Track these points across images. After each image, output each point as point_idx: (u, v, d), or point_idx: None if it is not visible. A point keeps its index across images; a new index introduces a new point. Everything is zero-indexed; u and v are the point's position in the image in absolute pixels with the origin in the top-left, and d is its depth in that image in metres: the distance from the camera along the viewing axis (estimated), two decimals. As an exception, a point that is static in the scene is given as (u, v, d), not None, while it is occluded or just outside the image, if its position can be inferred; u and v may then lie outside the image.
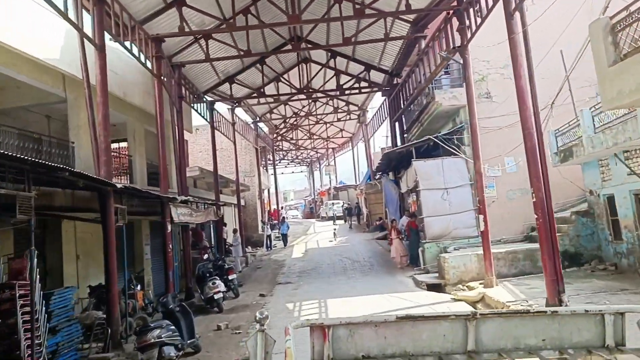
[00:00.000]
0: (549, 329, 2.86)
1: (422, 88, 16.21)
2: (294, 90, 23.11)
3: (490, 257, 12.03)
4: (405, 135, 21.22)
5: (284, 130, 42.77)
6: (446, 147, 15.28)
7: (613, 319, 2.85)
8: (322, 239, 29.34)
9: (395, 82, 21.40)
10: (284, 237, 27.84)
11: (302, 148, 52.27)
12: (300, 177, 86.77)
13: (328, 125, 42.67)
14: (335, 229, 31.51)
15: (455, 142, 15.64)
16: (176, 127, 16.14)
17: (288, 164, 67.82)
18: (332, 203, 44.46)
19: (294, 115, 36.18)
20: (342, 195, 48.00)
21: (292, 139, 45.06)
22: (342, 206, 41.36)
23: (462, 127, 15.61)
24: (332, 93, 31.72)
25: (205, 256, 18.22)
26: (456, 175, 15.46)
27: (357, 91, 24.81)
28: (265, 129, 37.01)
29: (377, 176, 23.84)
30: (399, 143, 24.66)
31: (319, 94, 27.49)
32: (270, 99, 25.59)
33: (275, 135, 40.98)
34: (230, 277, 14.39)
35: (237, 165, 25.27)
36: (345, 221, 38.98)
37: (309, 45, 20.07)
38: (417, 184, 15.52)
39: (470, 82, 12.50)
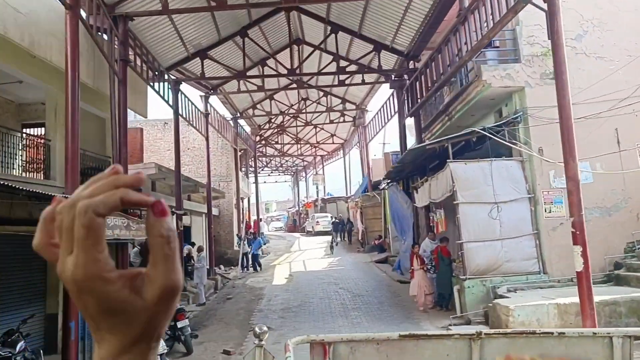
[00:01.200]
0: (556, 351, 2.78)
1: (461, 64, 11.77)
2: (282, 72, 18.48)
3: (592, 313, 7.52)
4: (422, 134, 16.78)
5: (269, 132, 38.15)
6: (499, 141, 10.80)
7: (621, 342, 2.76)
8: (309, 259, 24.64)
9: (412, 66, 17.01)
10: (255, 260, 22.67)
11: (287, 155, 47.66)
12: (283, 187, 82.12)
13: (318, 129, 38.29)
14: (335, 243, 27.11)
15: (507, 138, 11.21)
16: (115, 101, 11.41)
17: (271, 173, 63.16)
18: (319, 216, 39.79)
19: (280, 113, 31.61)
20: (331, 207, 43.41)
21: (277, 142, 40.41)
22: (331, 220, 36.78)
23: (519, 117, 11.19)
24: (327, 89, 27.38)
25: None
26: (509, 184, 11.00)
27: (359, 81, 20.39)
28: (248, 129, 32.36)
29: (383, 185, 19.38)
30: (409, 145, 20.27)
31: (310, 87, 23.00)
32: (252, 85, 20.98)
33: (258, 137, 36.27)
34: (180, 324, 9.62)
35: (208, 166, 20.55)
36: (333, 238, 34.36)
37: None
38: (454, 195, 11.01)
39: (560, 38, 8.09)
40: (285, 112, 31.81)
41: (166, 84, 16.00)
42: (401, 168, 15.91)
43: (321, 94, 28.04)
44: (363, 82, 20.50)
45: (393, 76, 20.05)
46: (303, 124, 33.70)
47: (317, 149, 44.91)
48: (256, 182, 34.05)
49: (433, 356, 2.75)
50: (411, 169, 15.56)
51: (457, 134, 11.38)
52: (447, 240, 11.94)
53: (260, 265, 21.54)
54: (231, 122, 27.24)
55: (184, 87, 18.55)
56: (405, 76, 19.56)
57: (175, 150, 16.55)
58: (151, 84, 14.69)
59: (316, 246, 31.18)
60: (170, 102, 16.22)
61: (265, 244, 32.50)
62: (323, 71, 19.75)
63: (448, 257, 11.61)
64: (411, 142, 20.54)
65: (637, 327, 3.79)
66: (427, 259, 12.27)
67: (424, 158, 14.03)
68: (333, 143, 40.08)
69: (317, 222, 38.73)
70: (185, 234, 20.56)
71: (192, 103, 18.36)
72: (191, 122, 18.26)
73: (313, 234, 39.32)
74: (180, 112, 16.96)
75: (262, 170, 60.30)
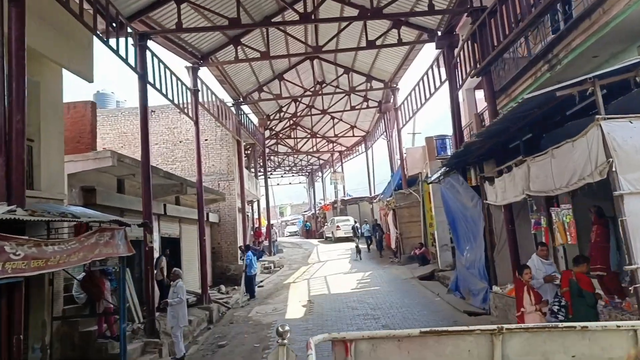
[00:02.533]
0: (579, 345, 2.73)
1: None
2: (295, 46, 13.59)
3: None
4: (495, 101, 11.68)
5: (280, 125, 33.27)
6: None
7: None
8: (332, 274, 19.64)
9: (477, 2, 11.93)
10: (249, 282, 16.46)
11: (301, 152, 42.76)
12: (298, 189, 77.47)
13: (336, 120, 33.34)
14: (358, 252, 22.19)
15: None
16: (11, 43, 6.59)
17: (285, 173, 58.40)
18: (340, 220, 34.73)
19: (292, 100, 26.70)
20: (352, 210, 38.39)
21: (289, 136, 35.51)
22: (353, 224, 31.74)
23: None
24: (348, 63, 22.46)
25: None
26: None
27: (394, 41, 15.39)
28: (255, 120, 27.51)
29: (432, 178, 14.24)
30: (464, 124, 15.31)
31: (328, 52, 18.10)
32: (253, 53, 16.10)
33: (267, 130, 31.37)
34: None
35: (199, 158, 15.70)
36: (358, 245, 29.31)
37: None
38: (612, 180, 5.91)
39: None
40: (298, 99, 26.91)
41: (128, 39, 11.15)
42: (469, 150, 10.81)
43: (341, 71, 23.05)
44: (400, 42, 15.48)
45: (439, 32, 15.04)
46: (319, 113, 28.69)
47: (334, 144, 39.96)
48: (265, 181, 29.14)
49: (454, 352, 2.67)
50: (486, 149, 10.45)
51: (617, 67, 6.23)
52: (587, 262, 6.83)
53: (254, 294, 16.34)
54: (232, 108, 22.42)
55: (164, 54, 13.74)
56: (458, 32, 14.62)
57: (142, 134, 11.73)
58: (99, 33, 9.86)
59: (338, 256, 26.16)
60: (134, 64, 11.35)
61: (276, 254, 27.63)
62: (345, 30, 14.83)
63: (592, 291, 6.52)
64: (464, 119, 15.51)
65: None
66: (557, 299, 7.12)
67: (510, 133, 8.94)
68: (353, 136, 35.06)
69: (338, 226, 33.73)
70: (172, 249, 15.82)
71: (170, 70, 13.48)
72: (169, 97, 13.38)
73: (333, 240, 34.35)
74: (151, 80, 12.12)
75: (274, 170, 55.67)
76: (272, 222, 69.26)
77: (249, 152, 33.09)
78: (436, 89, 16.69)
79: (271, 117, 29.02)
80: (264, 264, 22.95)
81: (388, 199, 22.40)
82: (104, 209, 10.98)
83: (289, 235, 51.70)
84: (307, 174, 57.79)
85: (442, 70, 16.51)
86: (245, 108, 24.52)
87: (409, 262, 20.35)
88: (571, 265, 10.00)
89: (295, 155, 48.95)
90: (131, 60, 11.12)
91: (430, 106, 22.40)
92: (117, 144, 21.36)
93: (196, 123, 15.51)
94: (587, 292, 6.48)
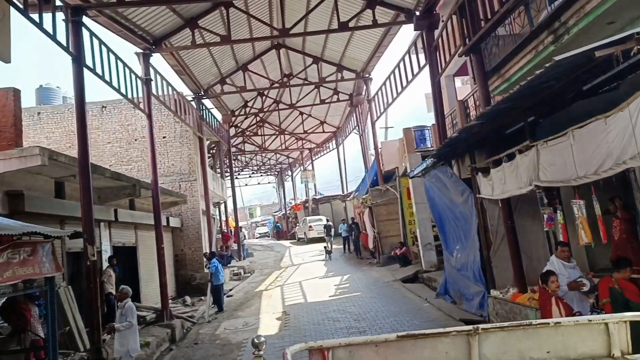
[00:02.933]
0: (553, 341, 2.78)
1: None
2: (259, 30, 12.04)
3: None
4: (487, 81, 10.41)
5: (246, 122, 31.55)
6: None
7: (618, 327, 2.77)
8: (308, 279, 18.16)
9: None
10: (217, 293, 14.54)
11: (269, 150, 41.07)
12: (267, 189, 75.65)
13: (305, 116, 31.86)
14: (328, 251, 20.63)
15: None
16: None
17: (253, 173, 56.54)
18: (312, 220, 33.25)
19: (257, 93, 25.08)
20: (324, 209, 36.99)
21: (256, 133, 33.81)
22: (325, 222, 30.31)
23: None
24: (317, 52, 21.05)
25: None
26: None
27: (369, 22, 13.98)
28: (218, 116, 25.69)
29: (422, 169, 12.81)
30: (447, 110, 14.16)
31: (294, 36, 16.62)
32: (214, 36, 14.43)
33: (232, 127, 29.59)
34: None
35: (153, 157, 13.90)
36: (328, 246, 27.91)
37: None
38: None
39: None
40: (265, 92, 25.30)
41: (58, 13, 9.32)
42: (460, 138, 9.47)
43: (309, 61, 21.57)
44: (375, 24, 14.11)
45: (418, 12, 13.76)
46: (287, 107, 27.12)
47: (304, 141, 38.46)
48: (232, 181, 27.40)
49: (432, 354, 2.69)
50: (480, 137, 9.12)
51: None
52: (630, 266, 5.54)
53: (222, 306, 14.46)
54: (193, 103, 20.62)
55: (111, 40, 12.05)
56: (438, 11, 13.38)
57: (78, 127, 9.98)
58: (16, 2, 8.05)
59: (312, 258, 24.69)
60: (65, 44, 9.53)
61: (246, 258, 25.96)
62: (315, 11, 13.37)
63: None
64: (445, 108, 14.31)
65: (634, 312, 3.03)
66: (569, 303, 5.85)
67: (512, 116, 7.64)
68: (324, 132, 33.63)
69: (310, 226, 32.26)
70: (128, 259, 14.05)
71: (114, 54, 11.67)
72: (114, 85, 11.58)
73: (306, 241, 32.87)
74: (90, 64, 10.32)
75: (242, 171, 53.77)
76: (240, 224, 67.44)
77: (213, 151, 31.28)
78: (414, 76, 15.41)
79: (236, 113, 27.27)
80: (233, 270, 21.26)
81: (363, 196, 21.05)
82: (36, 217, 9.15)
83: (259, 237, 49.93)
84: (276, 173, 56.13)
85: (420, 56, 15.31)
86: (207, 103, 22.76)
87: (388, 262, 19.06)
88: (589, 268, 8.87)
89: (263, 154, 47.24)
90: (62, 40, 9.31)
91: (403, 100, 21.21)
92: (64, 143, 19.24)
93: (149, 117, 13.72)
94: (635, 303, 5.18)
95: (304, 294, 15.50)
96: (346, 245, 23.70)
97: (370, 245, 20.40)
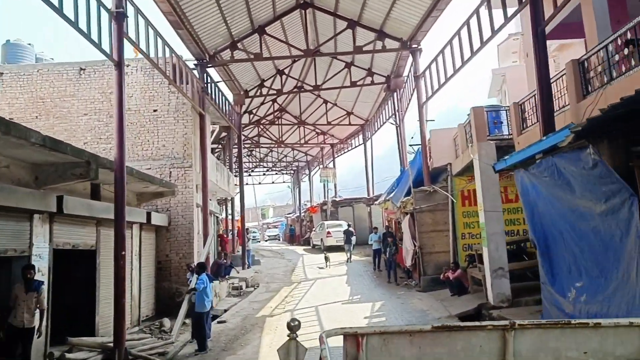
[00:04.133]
0: (591, 342, 2.72)
1: None
2: None
3: None
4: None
5: (260, 105, 27.37)
6: None
7: None
8: (327, 304, 13.79)
9: None
10: (199, 325, 10.11)
11: (286, 145, 36.90)
12: (281, 189, 71.62)
13: (329, 105, 27.60)
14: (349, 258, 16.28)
15: None
16: None
17: (267, 171, 52.44)
18: (331, 225, 28.87)
19: (277, 74, 20.97)
20: (345, 213, 32.60)
21: (273, 122, 29.58)
22: (346, 227, 25.94)
23: None
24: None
25: None
26: None
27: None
28: (229, 97, 21.53)
29: (528, 156, 8.29)
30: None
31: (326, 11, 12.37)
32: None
33: (244, 111, 25.42)
34: None
35: (120, 124, 9.66)
36: (349, 255, 23.60)
37: None
38: None
39: None
40: (285, 71, 21.14)
41: None
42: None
43: (342, 25, 17.30)
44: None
45: None
46: (310, 90, 22.87)
47: (326, 135, 34.18)
48: (240, 172, 23.14)
49: (466, 347, 2.64)
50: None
51: None
52: None
53: (204, 344, 9.81)
54: (196, 72, 16.47)
55: None
56: None
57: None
58: None
59: (331, 272, 20.31)
60: None
61: (251, 266, 21.75)
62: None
63: None
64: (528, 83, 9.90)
65: None
66: None
67: None
68: (350, 124, 29.28)
69: (329, 232, 27.88)
70: (83, 267, 9.97)
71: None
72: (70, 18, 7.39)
73: (322, 249, 28.49)
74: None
75: (256, 167, 49.75)
76: (250, 224, 63.34)
77: (223, 141, 27.24)
78: (496, 30, 10.98)
79: (250, 94, 23.06)
80: (233, 283, 17.02)
81: (403, 199, 16.61)
82: None
83: (268, 240, 45.70)
84: (292, 172, 51.93)
85: (496, 13, 10.99)
86: (214, 75, 18.59)
87: (432, 287, 14.64)
88: None
89: (280, 150, 43.11)
90: None
91: (437, 97, 16.69)
92: (29, 112, 15.28)
93: (118, 65, 9.50)
94: None
95: (323, 328, 11.12)
96: (376, 261, 19.17)
97: (408, 263, 15.94)
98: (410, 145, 22.40)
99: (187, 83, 14.77)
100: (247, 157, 45.16)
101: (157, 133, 15.06)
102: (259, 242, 45.99)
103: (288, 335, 2.73)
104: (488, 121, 11.96)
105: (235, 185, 23.65)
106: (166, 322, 12.48)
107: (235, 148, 24.63)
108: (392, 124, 21.72)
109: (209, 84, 17.50)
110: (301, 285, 17.71)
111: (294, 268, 22.42)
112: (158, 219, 13.80)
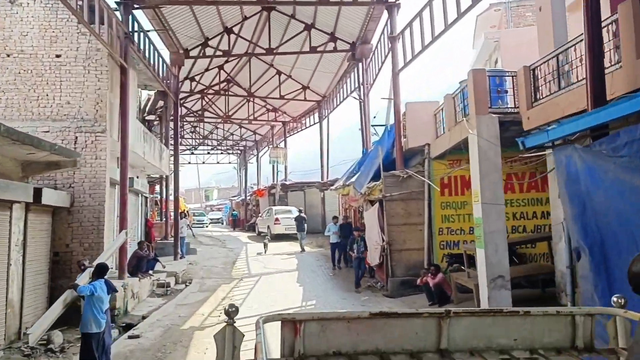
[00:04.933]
0: (521, 329, 2.82)
1: None
2: None
3: None
4: None
5: (204, 72, 23.94)
6: None
7: (583, 320, 2.83)
8: (273, 309, 10.90)
9: None
10: (87, 351, 6.93)
11: (234, 121, 33.51)
12: (228, 170, 67.80)
13: (283, 77, 24.56)
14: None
15: None
16: None
17: (212, 150, 48.60)
18: (280, 211, 25.93)
19: (225, 32, 17.71)
20: (295, 198, 29.79)
21: (218, 92, 26.10)
22: (298, 214, 23.20)
23: None
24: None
25: None
26: None
27: None
28: (166, 55, 17.95)
29: (578, 130, 5.85)
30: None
31: None
32: None
33: (183, 77, 21.91)
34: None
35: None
36: (301, 244, 21.03)
37: None
38: None
39: None
40: (233, 29, 17.90)
41: None
42: None
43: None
44: None
45: None
46: (263, 53, 19.71)
47: (278, 112, 31.06)
48: (175, 147, 19.68)
49: (403, 334, 2.70)
50: None
51: None
52: None
53: None
54: (119, 13, 12.90)
55: None
56: None
57: None
58: None
59: (279, 265, 17.46)
60: None
61: (185, 255, 18.61)
62: None
63: None
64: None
65: (598, 307, 3.27)
66: None
67: None
68: (305, 99, 26.30)
69: (277, 219, 24.99)
70: None
71: None
72: None
73: (269, 238, 25.58)
74: None
75: (199, 145, 45.90)
76: (192, 207, 59.28)
77: (160, 110, 23.67)
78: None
79: (191, 54, 19.55)
80: (158, 280, 13.82)
81: (369, 185, 13.90)
82: None
83: (211, 223, 42.08)
84: (239, 152, 48.37)
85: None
86: (143, 21, 15.04)
87: (403, 291, 12.15)
88: None
89: (226, 128, 39.53)
90: None
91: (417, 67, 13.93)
92: None
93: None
94: None
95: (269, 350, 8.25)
96: (335, 257, 16.30)
97: (375, 261, 13.30)
98: (373, 125, 19.88)
99: (104, 24, 11.29)
100: (190, 133, 41.27)
101: (60, 86, 11.49)
102: (207, 226, 42.12)
103: (225, 322, 2.51)
104: (490, 89, 9.39)
105: (171, 161, 20.19)
106: (56, 336, 9.19)
107: (172, 118, 21.06)
108: (355, 98, 18.95)
109: (136, 33, 13.99)
110: (243, 283, 14.75)
111: (236, 259, 19.39)
112: (53, 198, 10.36)
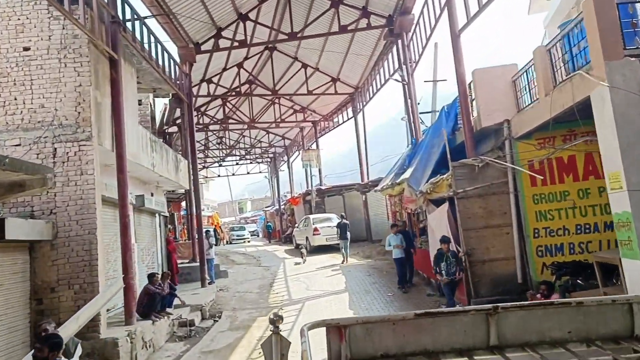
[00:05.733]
0: (575, 321, 2.72)
1: None
2: None
3: None
4: None
5: (222, 72, 21.57)
6: None
7: None
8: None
9: None
10: None
11: (260, 126, 31.09)
12: (258, 180, 65.79)
13: (310, 70, 21.90)
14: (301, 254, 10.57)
15: None
16: None
17: (239, 161, 46.42)
18: (318, 219, 23.14)
19: (239, 19, 15.14)
20: (333, 203, 26.98)
21: (239, 92, 23.57)
22: (340, 220, 20.41)
23: None
24: None
25: None
26: None
27: None
28: (173, 52, 15.49)
29: None
30: None
31: None
32: None
33: (191, 69, 19.50)
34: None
35: None
36: (345, 254, 18.31)
37: None
38: None
39: None
40: (247, 11, 15.35)
41: None
42: None
43: None
44: None
45: None
46: (286, 39, 17.05)
47: (306, 112, 28.39)
48: (192, 157, 17.12)
49: (450, 333, 2.63)
50: None
51: None
52: None
53: None
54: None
55: None
56: None
57: None
58: None
59: (324, 286, 14.60)
60: None
61: (214, 280, 16.13)
62: None
63: None
64: None
65: None
66: None
67: None
68: (336, 93, 23.47)
69: (316, 229, 22.19)
70: None
71: None
72: None
73: (307, 250, 22.84)
74: None
75: (227, 157, 43.79)
76: (227, 220, 57.27)
77: (179, 120, 21.43)
78: None
79: (203, 47, 17.03)
80: (180, 318, 11.17)
81: (434, 180, 10.88)
82: None
83: (235, 240, 39.45)
84: (268, 159, 45.97)
85: None
86: (141, 9, 12.55)
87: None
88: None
89: (253, 135, 37.14)
90: None
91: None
92: None
93: None
94: None
95: None
96: (402, 275, 12.87)
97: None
98: (421, 113, 16.92)
99: (79, 3, 8.78)
100: (217, 144, 39.11)
101: (31, 86, 9.01)
102: (249, 241, 39.33)
103: (271, 330, 2.48)
104: (621, 22, 6.33)
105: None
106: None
107: (187, 127, 18.56)
108: (397, 81, 15.98)
109: (130, 22, 11.50)
110: (284, 313, 11.96)
111: (273, 280, 16.66)
112: (24, 230, 7.83)
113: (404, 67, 15.46)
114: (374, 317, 2.77)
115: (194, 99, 23.96)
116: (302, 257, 20.07)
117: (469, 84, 10.53)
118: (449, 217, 9.99)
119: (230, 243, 38.02)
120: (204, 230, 16.48)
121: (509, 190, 9.65)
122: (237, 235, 39.83)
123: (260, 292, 14.90)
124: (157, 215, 15.58)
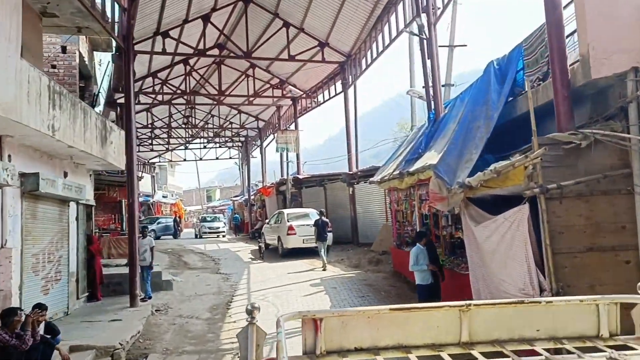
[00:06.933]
0: (544, 319, 2.77)
1: None
2: None
3: None
4: None
5: (180, 29, 17.00)
6: None
7: (607, 308, 2.74)
8: None
9: None
10: None
11: (231, 102, 26.62)
12: (228, 166, 61.11)
13: (294, 31, 17.60)
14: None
15: None
16: None
17: (207, 143, 41.77)
18: (293, 215, 18.88)
19: None
20: (312, 195, 22.82)
21: (202, 52, 18.92)
22: (317, 218, 16.31)
23: None
24: None
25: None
26: None
27: None
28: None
29: None
30: None
31: None
32: None
33: (136, 9, 14.93)
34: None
35: None
36: (324, 259, 14.43)
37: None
38: None
39: None
40: None
41: None
42: None
43: None
44: None
45: None
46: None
47: (285, 86, 24.07)
48: (129, 124, 12.52)
49: (423, 328, 2.69)
50: None
51: None
52: None
53: None
54: None
55: None
56: None
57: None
58: None
59: (305, 309, 10.40)
60: None
61: (149, 298, 11.69)
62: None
63: None
64: None
65: (624, 295, 2.86)
66: None
67: None
68: (323, 61, 19.16)
69: (291, 227, 17.93)
70: None
71: None
72: None
73: (280, 252, 18.65)
74: None
75: (194, 139, 39.19)
76: (194, 209, 52.53)
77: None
78: None
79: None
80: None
81: (498, 166, 6.77)
82: None
83: (207, 232, 34.60)
84: (240, 144, 41.39)
85: None
86: None
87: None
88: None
89: (223, 114, 32.55)
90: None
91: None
92: None
93: None
94: None
95: None
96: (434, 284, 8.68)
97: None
98: (444, 85, 12.94)
99: None
100: (184, 124, 34.33)
101: None
102: (224, 235, 34.17)
103: (247, 320, 2.41)
104: None
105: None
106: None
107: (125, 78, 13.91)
108: (413, 34, 11.80)
109: None
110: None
111: (232, 298, 12.32)
112: None
113: (423, 15, 11.29)
114: (350, 310, 2.77)
115: (147, 57, 19.36)
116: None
117: (566, 5, 6.40)
118: (529, 231, 5.88)
119: (200, 237, 33.06)
120: (140, 226, 12.03)
121: (632, 188, 5.65)
122: (209, 228, 33.94)
123: (212, 317, 10.57)
124: (71, 203, 11.06)
